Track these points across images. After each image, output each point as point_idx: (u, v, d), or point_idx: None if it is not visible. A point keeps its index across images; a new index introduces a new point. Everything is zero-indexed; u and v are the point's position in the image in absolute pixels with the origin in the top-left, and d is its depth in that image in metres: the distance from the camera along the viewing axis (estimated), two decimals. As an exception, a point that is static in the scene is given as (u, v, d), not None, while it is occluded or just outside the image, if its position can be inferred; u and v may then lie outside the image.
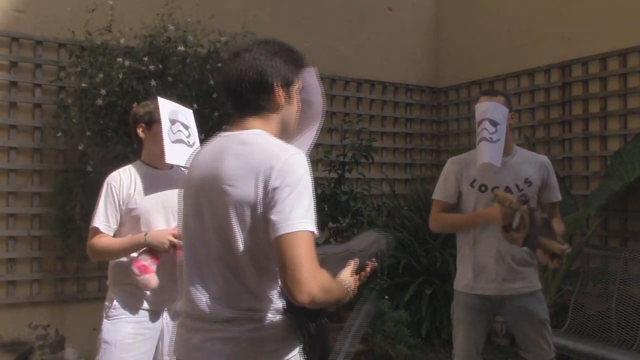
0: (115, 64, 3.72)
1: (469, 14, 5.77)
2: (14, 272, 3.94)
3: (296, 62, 1.65)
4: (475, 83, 5.62)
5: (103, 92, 3.60)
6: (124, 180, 2.36)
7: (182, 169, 2.48)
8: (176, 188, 2.38)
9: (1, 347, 3.84)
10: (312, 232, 1.38)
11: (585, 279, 4.15)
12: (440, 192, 2.87)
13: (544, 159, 2.88)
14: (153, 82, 3.66)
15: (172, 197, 2.39)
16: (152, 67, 3.70)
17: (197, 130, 3.70)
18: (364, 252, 1.71)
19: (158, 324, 2.38)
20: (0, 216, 3.94)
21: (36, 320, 4.01)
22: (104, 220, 2.33)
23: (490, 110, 2.69)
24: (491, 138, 2.65)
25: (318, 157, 5.07)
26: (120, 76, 3.65)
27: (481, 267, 2.75)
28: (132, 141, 3.54)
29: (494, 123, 2.67)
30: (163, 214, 2.37)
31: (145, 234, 2.28)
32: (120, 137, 3.63)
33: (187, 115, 2.48)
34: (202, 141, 3.76)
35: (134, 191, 2.35)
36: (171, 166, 2.45)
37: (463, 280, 2.83)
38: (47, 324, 4.03)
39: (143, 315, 2.35)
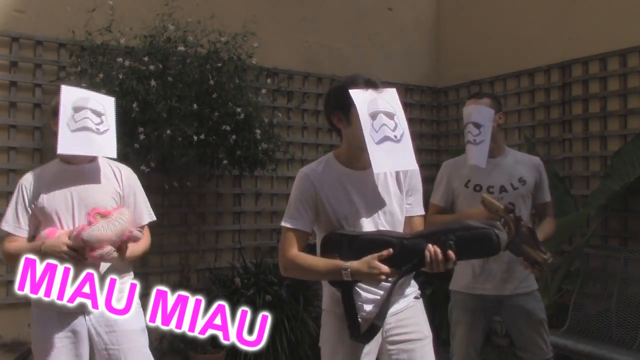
0: (115, 64, 3.72)
1: (469, 13, 5.77)
2: (14, 272, 3.93)
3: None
4: (475, 83, 5.61)
5: (103, 92, 3.60)
6: (34, 179, 2.30)
7: (103, 163, 2.38)
8: (91, 183, 2.31)
9: (1, 347, 3.84)
10: (283, 227, 2.06)
11: (585, 279, 4.15)
12: (436, 196, 2.97)
13: (536, 160, 2.91)
14: (153, 82, 3.66)
15: (85, 193, 2.28)
16: (152, 67, 3.70)
17: (197, 130, 3.75)
18: (410, 240, 1.90)
19: (82, 327, 2.25)
20: (0, 216, 3.93)
21: (36, 320, 4.00)
22: (13, 221, 2.28)
23: (473, 114, 2.78)
24: (474, 140, 2.74)
25: (318, 157, 5.07)
26: (121, 76, 3.65)
27: (481, 267, 2.77)
28: (132, 141, 3.50)
29: (477, 125, 2.75)
30: (73, 211, 2.26)
31: (42, 243, 2.15)
32: (120, 137, 3.61)
33: (104, 103, 2.35)
34: (203, 140, 3.80)
35: (42, 189, 2.27)
36: (90, 159, 2.36)
37: (462, 280, 2.85)
38: (47, 324, 4.03)
39: (68, 317, 2.24)
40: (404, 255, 1.89)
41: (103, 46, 3.90)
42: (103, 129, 2.27)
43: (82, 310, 2.24)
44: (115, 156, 2.30)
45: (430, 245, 1.85)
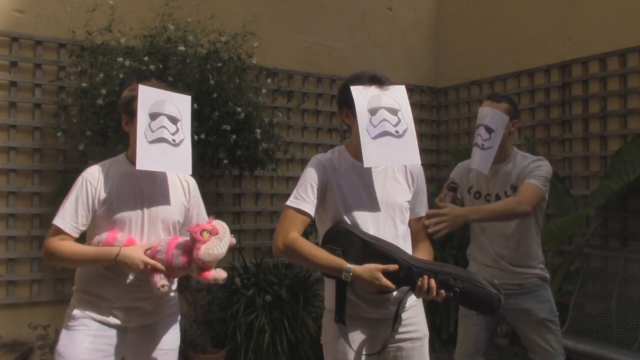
0: (115, 64, 3.72)
1: (469, 14, 5.77)
2: (14, 272, 3.94)
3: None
4: (475, 83, 5.62)
5: (103, 91, 3.60)
6: (101, 179, 2.05)
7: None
8: (161, 192, 2.12)
9: (1, 347, 3.84)
10: (289, 206, 2.04)
11: (585, 279, 4.16)
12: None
13: (529, 160, 2.75)
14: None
15: (155, 203, 2.09)
16: (152, 67, 3.70)
17: (197, 129, 3.75)
18: (412, 266, 1.95)
19: (121, 341, 2.08)
20: (0, 216, 3.94)
21: (36, 320, 4.00)
22: (72, 219, 2.01)
23: (488, 117, 2.70)
24: (482, 145, 2.68)
25: (318, 157, 5.08)
26: (121, 76, 3.65)
27: (482, 266, 2.79)
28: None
29: (489, 130, 2.68)
30: (142, 221, 2.08)
31: (118, 253, 1.96)
32: (120, 136, 3.62)
33: (180, 104, 2.11)
34: (203, 140, 3.81)
35: (111, 193, 2.04)
36: None
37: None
38: (47, 324, 4.03)
39: (104, 330, 2.06)
40: (407, 278, 1.95)
41: (103, 46, 3.90)
42: (179, 140, 2.06)
43: (127, 324, 2.09)
44: (190, 173, 2.12)
45: (426, 279, 1.93)
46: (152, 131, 2.01)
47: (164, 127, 2.03)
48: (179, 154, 2.07)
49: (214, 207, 4.72)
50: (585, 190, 4.50)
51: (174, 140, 2.04)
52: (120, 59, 3.71)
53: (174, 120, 2.06)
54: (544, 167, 2.70)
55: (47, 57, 4.11)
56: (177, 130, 2.07)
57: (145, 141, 1.99)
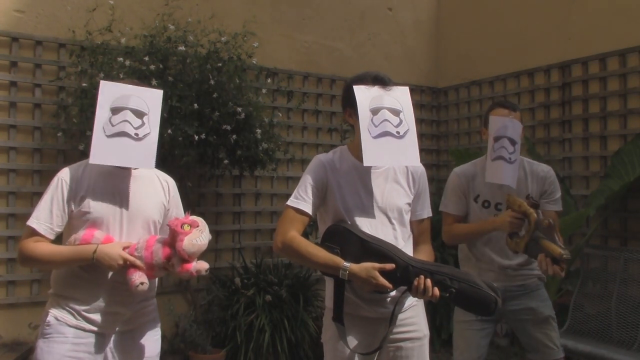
0: (115, 64, 3.73)
1: (469, 14, 5.77)
2: (14, 272, 3.94)
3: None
4: (475, 83, 5.62)
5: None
6: (77, 178, 2.01)
7: (149, 170, 2.12)
8: (141, 192, 2.08)
9: (1, 347, 3.83)
10: (289, 206, 2.08)
11: (585, 279, 4.16)
12: (452, 206, 2.84)
13: (544, 170, 2.80)
14: (154, 82, 3.66)
15: (134, 203, 2.05)
16: (152, 67, 3.70)
17: (198, 129, 3.75)
18: (408, 265, 1.95)
19: (100, 348, 2.00)
20: (0, 216, 3.94)
21: (36, 320, 3.99)
22: (47, 219, 1.97)
23: (510, 128, 2.63)
24: (510, 158, 2.60)
25: (318, 157, 5.08)
26: (121, 76, 3.65)
27: (482, 270, 2.77)
28: None
29: (513, 142, 2.61)
30: (120, 220, 2.02)
31: (96, 250, 1.91)
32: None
33: (148, 98, 2.06)
34: (203, 140, 3.80)
35: (87, 192, 2.00)
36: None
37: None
38: (47, 324, 4.02)
39: (84, 336, 1.98)
40: (403, 278, 1.96)
41: (103, 46, 3.90)
42: (143, 134, 2.00)
43: (104, 330, 2.02)
44: (153, 167, 2.06)
45: (422, 279, 1.93)
46: (113, 125, 1.97)
47: (127, 120, 1.99)
48: (142, 148, 2.01)
49: (214, 207, 4.72)
50: (585, 190, 4.50)
51: (136, 134, 2.00)
52: (121, 59, 3.71)
53: (139, 114, 2.02)
54: (557, 184, 2.79)
55: (47, 57, 4.11)
56: (143, 124, 2.02)
57: (103, 135, 1.95)
